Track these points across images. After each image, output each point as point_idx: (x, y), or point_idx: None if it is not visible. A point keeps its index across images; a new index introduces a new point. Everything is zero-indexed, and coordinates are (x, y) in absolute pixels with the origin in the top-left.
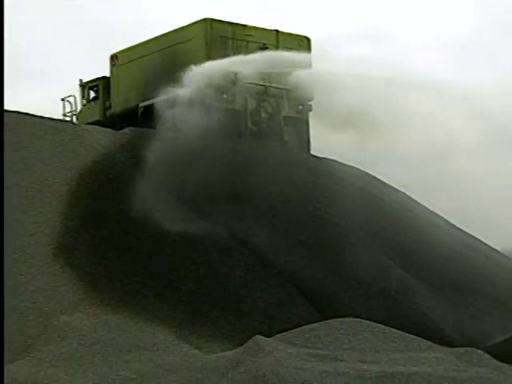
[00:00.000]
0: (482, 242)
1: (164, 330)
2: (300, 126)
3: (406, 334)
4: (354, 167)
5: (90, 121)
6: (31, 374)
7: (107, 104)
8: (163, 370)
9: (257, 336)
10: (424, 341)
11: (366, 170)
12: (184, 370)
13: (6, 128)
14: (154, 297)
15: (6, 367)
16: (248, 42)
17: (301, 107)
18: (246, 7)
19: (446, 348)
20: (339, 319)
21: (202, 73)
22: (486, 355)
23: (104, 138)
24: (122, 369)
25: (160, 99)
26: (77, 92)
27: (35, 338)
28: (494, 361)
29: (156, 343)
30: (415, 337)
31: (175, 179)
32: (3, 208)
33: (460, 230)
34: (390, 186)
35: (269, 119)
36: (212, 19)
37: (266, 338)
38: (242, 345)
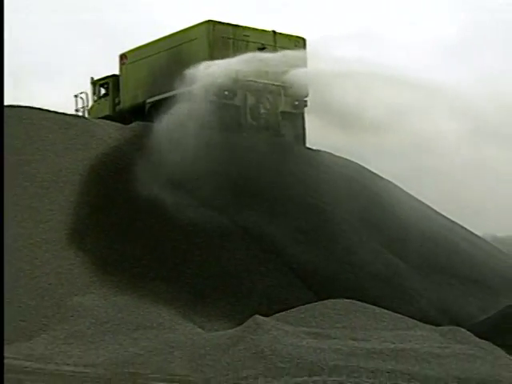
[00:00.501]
0: (465, 228)
1: (169, 310)
2: (296, 120)
3: (395, 313)
4: (346, 159)
5: (100, 116)
6: (47, 350)
7: (116, 100)
8: (169, 346)
9: (256, 315)
10: (411, 320)
11: (357, 162)
12: (188, 347)
13: (23, 122)
14: (160, 279)
15: (24, 344)
16: (247, 42)
17: (297, 103)
18: (246, 8)
19: (431, 326)
20: (333, 300)
21: (204, 71)
22: (468, 333)
23: (113, 132)
24: (130, 346)
25: (166, 95)
26: (88, 89)
27: (50, 317)
28: (475, 338)
29: (162, 322)
30: (403, 316)
31: (179, 170)
32: (3, 205)
33: (445, 217)
34: (380, 177)
35: (267, 114)
36: (214, 21)
37: (265, 318)
38: (242, 324)
